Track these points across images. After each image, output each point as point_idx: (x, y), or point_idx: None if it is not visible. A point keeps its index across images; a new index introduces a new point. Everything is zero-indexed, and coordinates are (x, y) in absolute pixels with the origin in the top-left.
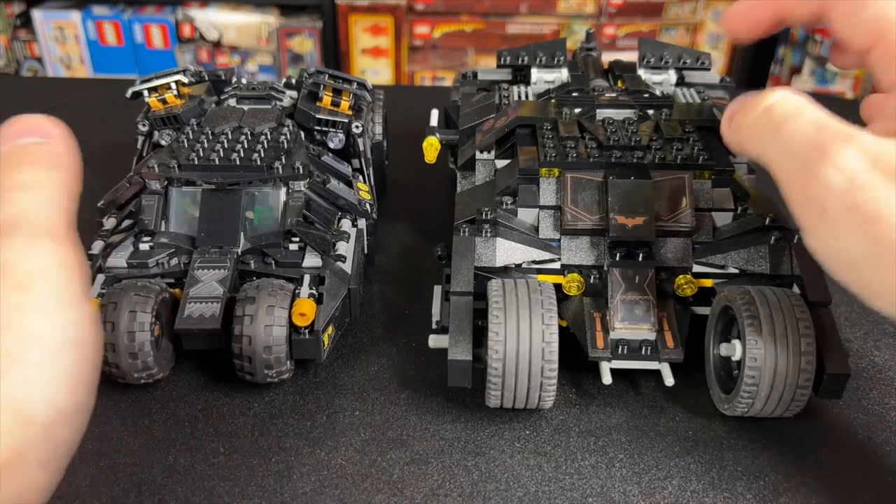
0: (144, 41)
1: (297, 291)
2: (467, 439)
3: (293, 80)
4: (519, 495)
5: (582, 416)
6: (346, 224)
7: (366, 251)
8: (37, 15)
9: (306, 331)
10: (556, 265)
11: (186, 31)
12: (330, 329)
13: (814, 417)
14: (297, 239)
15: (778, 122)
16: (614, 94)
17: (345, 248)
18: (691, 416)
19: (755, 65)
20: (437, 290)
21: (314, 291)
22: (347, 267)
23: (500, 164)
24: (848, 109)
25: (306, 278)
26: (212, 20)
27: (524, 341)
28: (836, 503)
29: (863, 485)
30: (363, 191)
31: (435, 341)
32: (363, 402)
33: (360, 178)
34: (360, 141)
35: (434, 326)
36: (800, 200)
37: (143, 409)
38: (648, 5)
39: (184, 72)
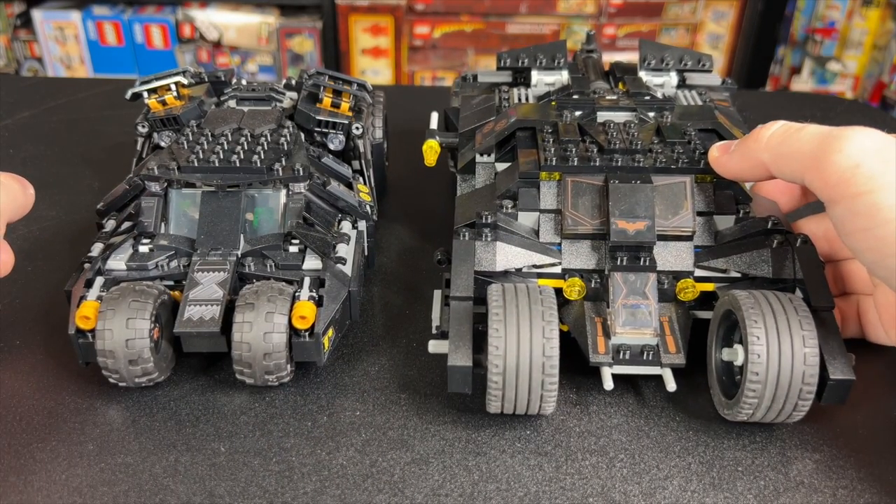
0: (144, 41)
1: (296, 294)
2: (468, 439)
3: (293, 81)
4: (520, 495)
5: (582, 416)
6: (346, 226)
7: (366, 253)
8: (37, 15)
9: (306, 334)
10: (557, 269)
11: (186, 31)
12: (330, 332)
13: (814, 418)
14: (297, 241)
15: (796, 129)
16: (615, 97)
17: (345, 250)
18: (692, 416)
19: (755, 65)
20: (437, 294)
21: (314, 294)
22: (347, 269)
23: (501, 167)
24: (847, 109)
25: (306, 281)
26: (212, 20)
27: (524, 347)
28: (836, 503)
29: (863, 485)
30: (363, 192)
31: (435, 347)
32: (364, 403)
33: (361, 179)
34: (360, 142)
35: (434, 331)
36: (817, 183)
37: (144, 409)
38: (648, 5)
39: (183, 73)
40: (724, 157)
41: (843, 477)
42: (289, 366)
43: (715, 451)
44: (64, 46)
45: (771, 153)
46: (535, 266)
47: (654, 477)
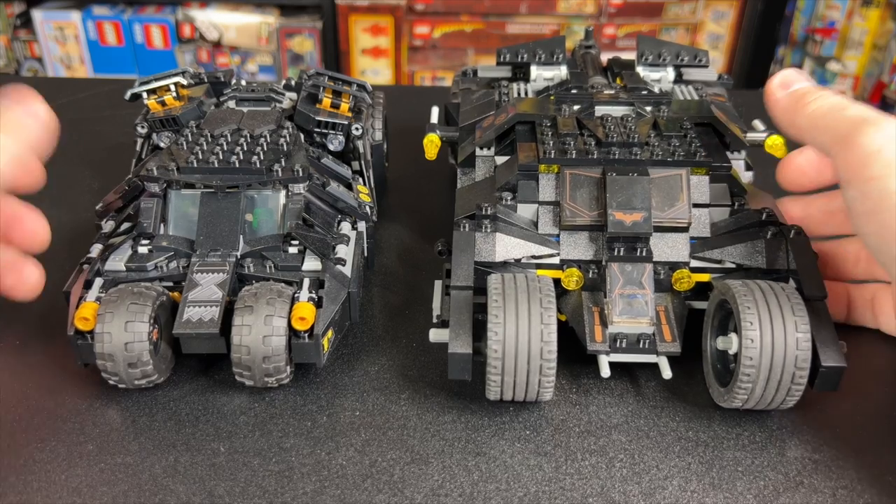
0: (144, 41)
1: (296, 295)
2: (468, 439)
3: (293, 82)
4: (519, 495)
5: (582, 416)
6: (345, 227)
7: (366, 254)
8: (37, 15)
9: (306, 335)
10: (556, 260)
11: (186, 31)
12: (329, 333)
13: (814, 418)
14: (297, 242)
15: (841, 107)
16: (613, 91)
17: (344, 251)
18: (691, 416)
19: (755, 65)
20: (438, 284)
21: (314, 295)
22: (347, 270)
23: (500, 160)
24: None
25: (306, 282)
26: (212, 20)
27: (523, 332)
28: (836, 503)
29: (863, 485)
30: (363, 193)
31: (435, 335)
32: (364, 403)
33: (360, 180)
34: (359, 143)
35: (435, 321)
36: (840, 160)
37: (144, 409)
38: (648, 5)
39: (183, 73)
40: (777, 94)
41: (843, 477)
42: (288, 367)
43: (715, 451)
44: (64, 46)
45: (809, 121)
46: (533, 257)
47: (654, 477)
